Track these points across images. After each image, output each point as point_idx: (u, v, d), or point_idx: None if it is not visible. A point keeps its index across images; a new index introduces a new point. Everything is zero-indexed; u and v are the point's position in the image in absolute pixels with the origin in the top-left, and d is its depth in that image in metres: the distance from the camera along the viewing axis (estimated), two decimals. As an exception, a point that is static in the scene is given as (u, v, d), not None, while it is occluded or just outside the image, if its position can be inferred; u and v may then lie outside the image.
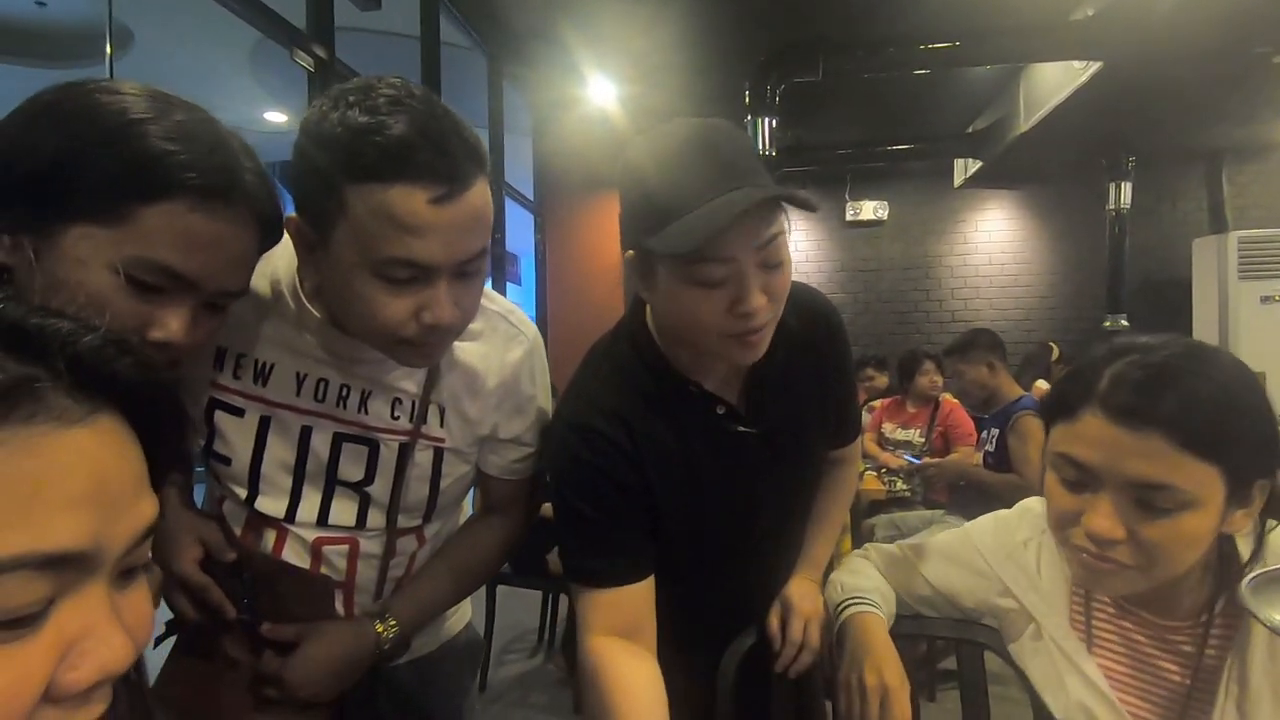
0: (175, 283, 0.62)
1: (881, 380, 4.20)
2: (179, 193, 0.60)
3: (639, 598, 0.86)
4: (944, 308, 5.96)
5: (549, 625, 3.16)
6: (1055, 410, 0.75)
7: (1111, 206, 4.78)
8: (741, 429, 0.88)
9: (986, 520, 0.95)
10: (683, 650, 0.88)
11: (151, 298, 0.62)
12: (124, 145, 0.59)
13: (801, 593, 0.97)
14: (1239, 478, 0.67)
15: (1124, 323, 4.77)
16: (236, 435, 0.81)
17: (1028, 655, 0.85)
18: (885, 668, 0.85)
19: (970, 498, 2.93)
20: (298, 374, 0.80)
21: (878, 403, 3.79)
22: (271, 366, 0.80)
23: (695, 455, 0.88)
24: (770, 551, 1.00)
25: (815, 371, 0.93)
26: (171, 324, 0.63)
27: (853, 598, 0.94)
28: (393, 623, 0.84)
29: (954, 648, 0.97)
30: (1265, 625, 0.59)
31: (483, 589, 2.47)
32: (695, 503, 0.89)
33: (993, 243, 5.89)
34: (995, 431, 2.73)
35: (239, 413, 0.81)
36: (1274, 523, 0.74)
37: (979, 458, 2.88)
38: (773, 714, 1.00)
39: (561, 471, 0.86)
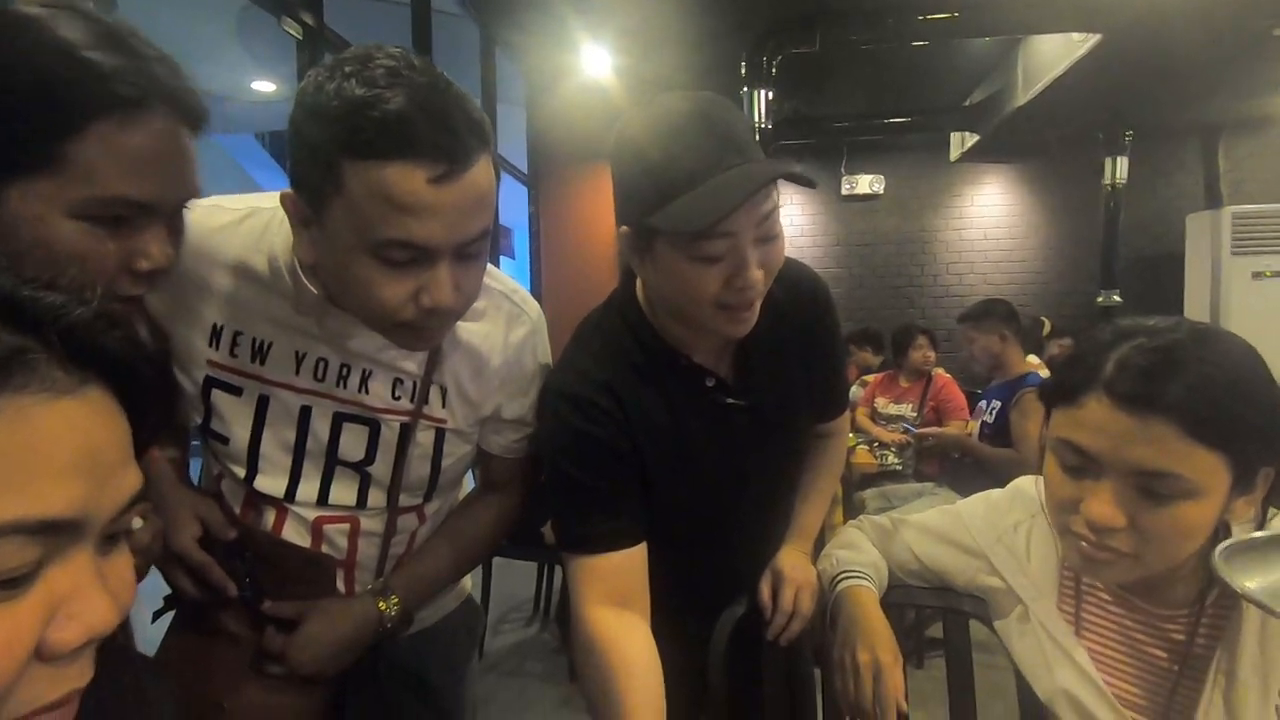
0: (136, 209, 0.60)
1: (872, 359, 4.21)
2: (97, 116, 0.56)
3: (632, 565, 0.86)
4: (938, 283, 5.96)
5: (544, 596, 3.20)
6: (1057, 394, 0.73)
7: (1107, 181, 4.77)
8: (731, 401, 0.89)
9: (977, 501, 0.95)
10: (674, 620, 0.89)
11: (121, 231, 0.60)
12: (20, 89, 0.54)
13: (792, 562, 0.99)
14: (1245, 466, 0.66)
15: (1116, 298, 4.79)
16: (234, 414, 0.80)
17: (1014, 635, 0.86)
18: (878, 644, 0.86)
19: (962, 471, 2.97)
20: (296, 353, 0.79)
21: (870, 378, 3.81)
22: (269, 345, 0.79)
23: (685, 427, 0.89)
24: (760, 522, 1.01)
25: (803, 345, 0.94)
26: (154, 250, 0.62)
27: (846, 571, 0.96)
28: (395, 600, 0.84)
29: (941, 616, 0.98)
30: (1237, 593, 0.59)
31: None
32: (685, 474, 0.90)
33: (988, 217, 5.88)
34: (997, 404, 2.75)
35: (236, 391, 0.80)
36: (1275, 510, 0.72)
37: (974, 427, 2.90)
38: (764, 682, 1.02)
39: (554, 438, 0.86)
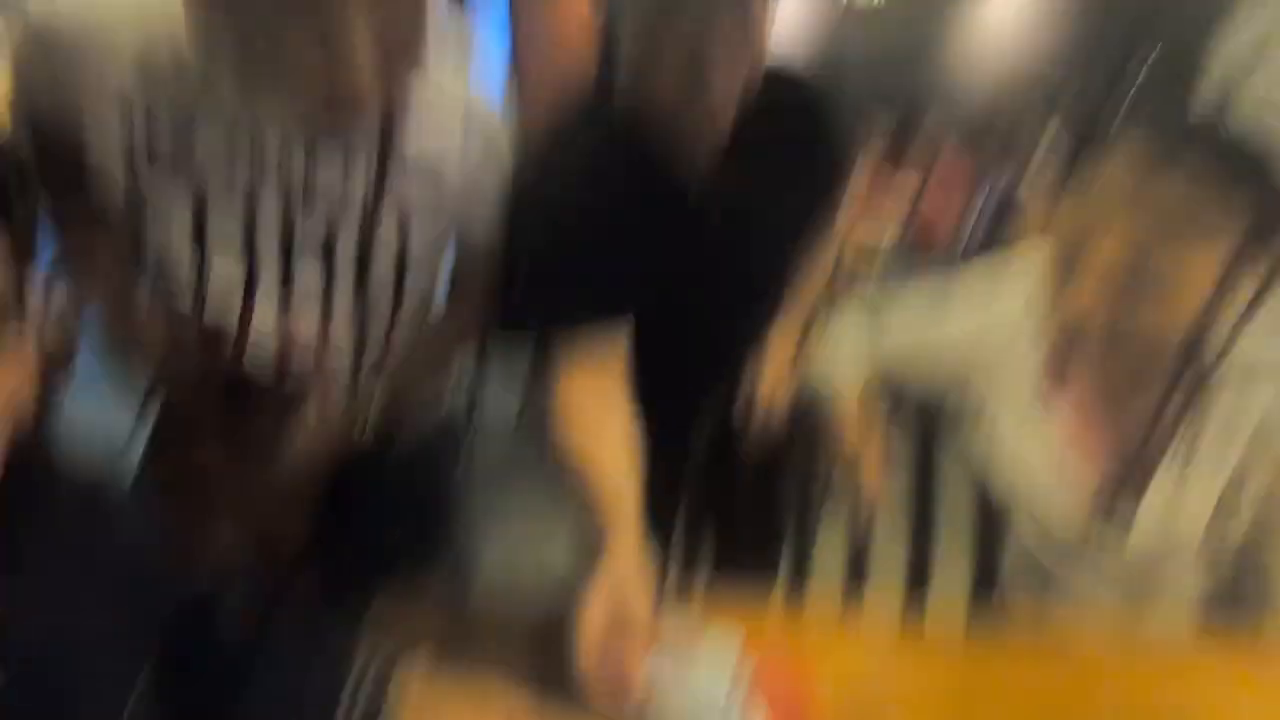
0: None
1: None
2: None
3: (611, 338, 0.85)
4: None
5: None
6: None
7: None
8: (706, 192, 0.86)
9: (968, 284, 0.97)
10: (646, 409, 0.87)
11: None
12: None
13: (775, 355, 0.98)
14: None
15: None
16: (172, 223, 0.71)
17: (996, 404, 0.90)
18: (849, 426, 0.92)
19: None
20: (227, 140, 0.68)
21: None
22: (194, 134, 0.67)
23: (659, 215, 0.84)
24: (740, 314, 0.98)
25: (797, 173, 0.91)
26: None
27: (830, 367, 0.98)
28: (369, 407, 0.83)
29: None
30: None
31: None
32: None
33: None
34: None
35: (171, 197, 0.70)
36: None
37: None
38: (737, 491, 1.04)
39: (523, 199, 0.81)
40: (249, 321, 0.76)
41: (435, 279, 0.89)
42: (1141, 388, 0.80)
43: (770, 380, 0.96)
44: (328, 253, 0.75)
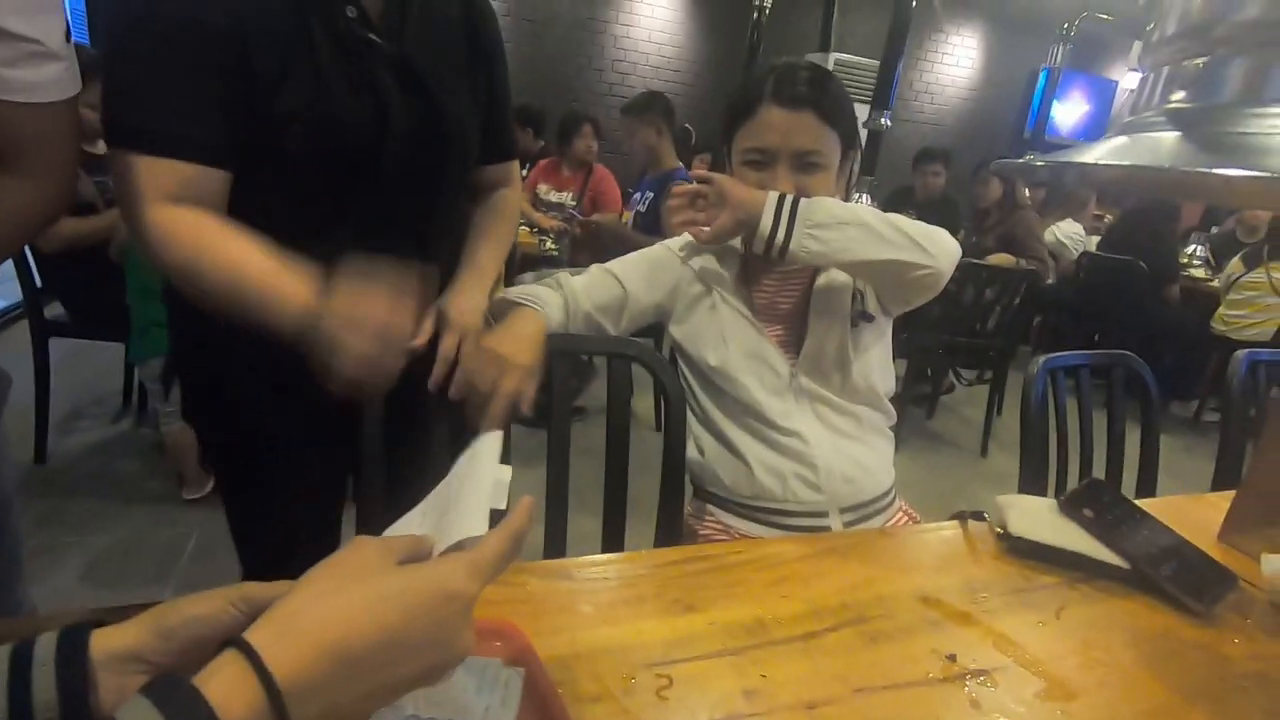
0: None
1: (532, 143, 4.19)
2: None
3: (211, 188, 0.78)
4: (603, 79, 6.39)
5: (137, 388, 2.74)
6: (737, 114, 1.07)
7: (756, 4, 5.12)
8: (373, 37, 0.83)
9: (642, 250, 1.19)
10: (317, 389, 0.81)
11: None
12: None
13: (460, 306, 0.93)
14: (847, 147, 1.07)
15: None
16: None
17: (700, 324, 1.14)
18: (516, 346, 0.90)
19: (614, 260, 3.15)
20: None
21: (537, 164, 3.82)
22: None
23: (316, 54, 0.80)
24: (414, 222, 0.94)
25: (465, 39, 0.93)
26: None
27: (520, 299, 1.03)
28: None
29: (607, 362, 1.11)
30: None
31: (26, 341, 2.27)
32: (314, 123, 0.81)
33: (655, 18, 6.41)
34: (650, 195, 3.00)
35: None
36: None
37: (629, 217, 3.14)
38: (430, 434, 1.02)
39: (126, 8, 0.73)
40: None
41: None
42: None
43: (454, 330, 0.91)
44: None
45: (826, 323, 1.10)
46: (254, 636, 0.36)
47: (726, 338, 1.11)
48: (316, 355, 0.74)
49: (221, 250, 0.75)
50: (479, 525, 0.47)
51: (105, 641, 0.42)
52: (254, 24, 0.76)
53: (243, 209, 0.80)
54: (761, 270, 1.14)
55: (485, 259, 1.01)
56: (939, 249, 1.02)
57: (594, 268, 1.15)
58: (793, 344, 1.13)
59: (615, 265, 1.16)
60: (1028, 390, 1.26)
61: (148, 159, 0.74)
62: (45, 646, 0.40)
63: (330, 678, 0.37)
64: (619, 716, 0.58)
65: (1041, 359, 1.29)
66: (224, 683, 0.34)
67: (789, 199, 1.00)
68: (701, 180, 1.06)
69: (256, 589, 0.45)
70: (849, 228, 0.98)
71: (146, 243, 0.75)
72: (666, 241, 1.19)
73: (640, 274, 1.15)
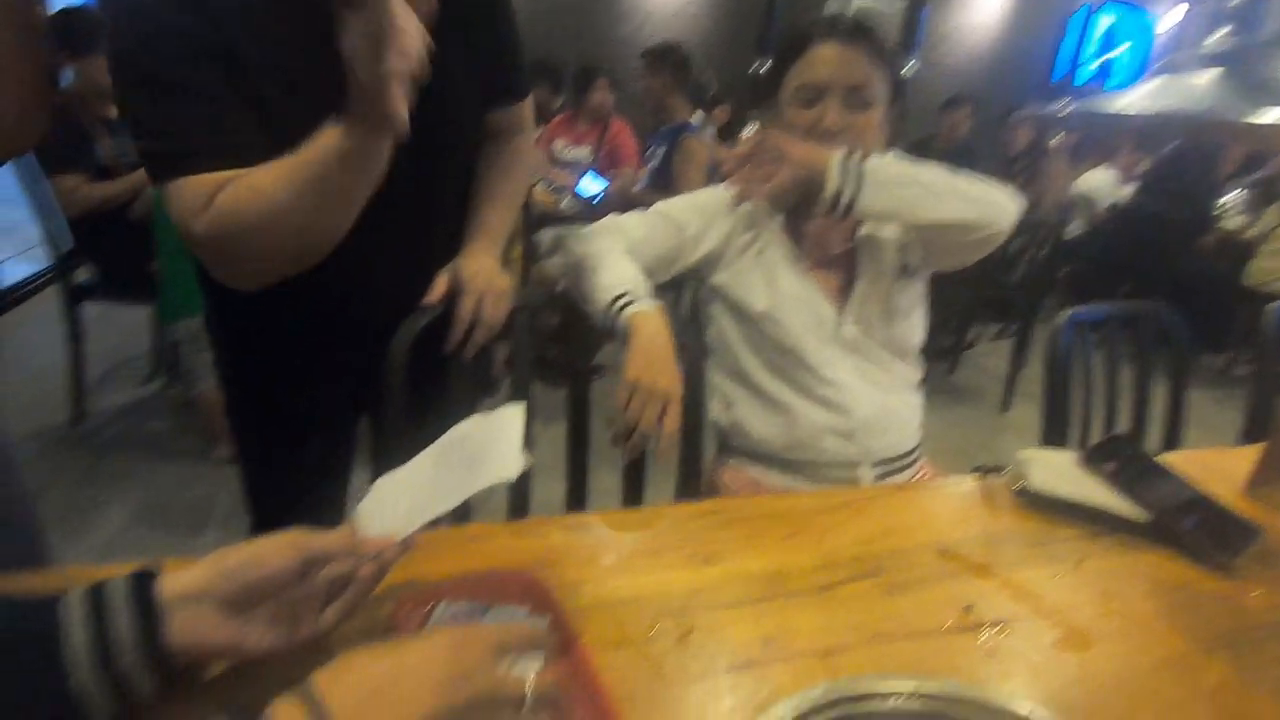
0: None
1: (550, 99, 4.08)
2: None
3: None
4: (619, 29, 6.09)
5: (166, 349, 2.65)
6: (788, 54, 1.08)
7: None
8: None
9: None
10: (337, 312, 0.83)
11: None
12: None
13: (475, 268, 0.95)
14: (894, 87, 1.08)
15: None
16: None
17: (746, 268, 1.13)
18: (667, 374, 0.92)
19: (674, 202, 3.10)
20: None
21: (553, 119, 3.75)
22: None
23: (295, 38, 0.77)
24: (419, 203, 0.92)
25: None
26: None
27: (620, 295, 0.99)
28: None
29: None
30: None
31: (56, 307, 2.35)
32: (308, 109, 0.76)
33: None
34: (663, 149, 2.94)
35: None
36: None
37: (644, 172, 3.09)
38: (450, 397, 1.01)
39: (126, 31, 0.73)
40: None
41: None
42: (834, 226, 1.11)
43: (471, 293, 0.94)
44: None
45: (874, 273, 1.11)
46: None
47: (773, 281, 1.10)
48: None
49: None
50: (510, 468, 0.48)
51: (172, 583, 0.45)
52: (234, 19, 0.74)
53: None
54: (810, 216, 1.13)
55: (495, 220, 1.01)
56: (1001, 210, 1.02)
57: (653, 211, 1.14)
58: (840, 292, 1.12)
59: (675, 210, 1.14)
60: (1054, 342, 1.24)
61: (191, 180, 0.74)
62: (116, 587, 0.44)
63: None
64: (641, 663, 0.60)
65: (1069, 311, 1.26)
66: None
67: (855, 156, 0.99)
68: (754, 142, 1.05)
69: (305, 538, 0.49)
70: (914, 187, 0.99)
71: (207, 253, 0.76)
72: (713, 188, 1.18)
73: (699, 219, 1.14)
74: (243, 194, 0.74)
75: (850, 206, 0.99)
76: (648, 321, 0.96)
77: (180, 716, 0.47)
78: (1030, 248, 3.21)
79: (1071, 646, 0.66)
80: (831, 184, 0.98)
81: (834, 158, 0.99)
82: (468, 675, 0.42)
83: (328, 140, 0.72)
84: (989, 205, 1.02)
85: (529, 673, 0.45)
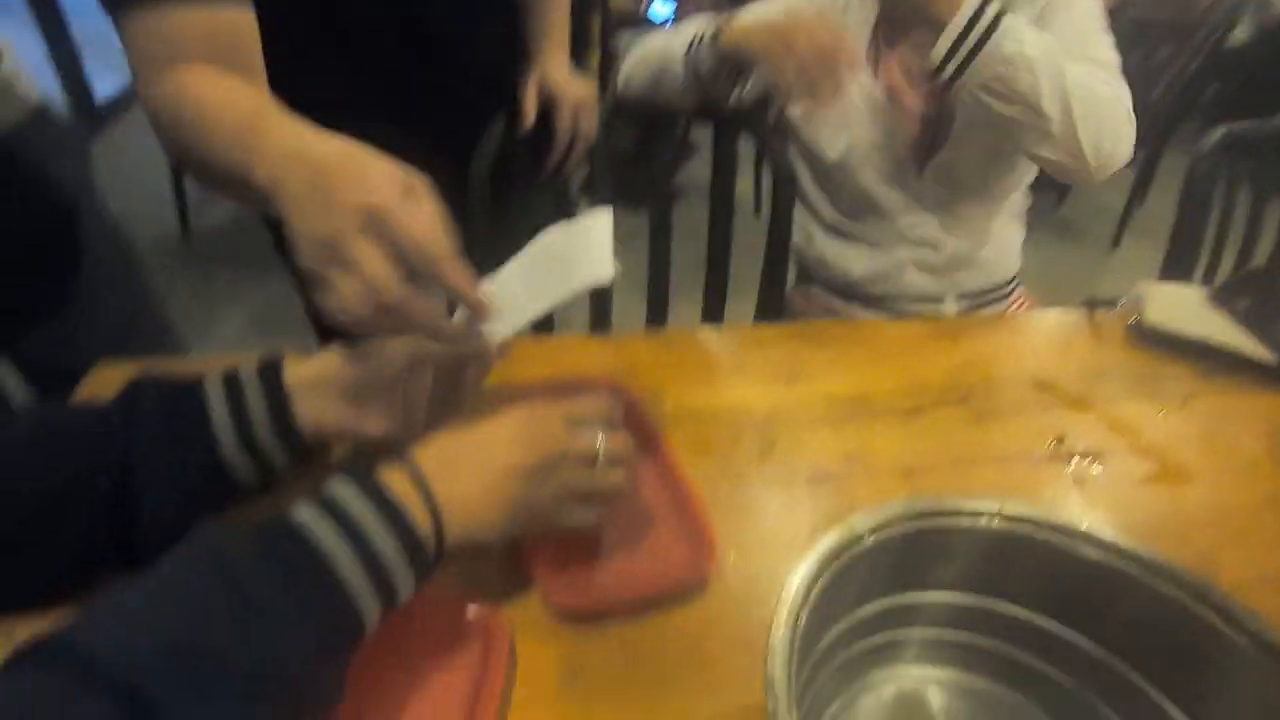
0: None
1: None
2: None
3: (238, 29, 0.57)
4: None
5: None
6: None
7: None
8: None
9: None
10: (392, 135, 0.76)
11: None
12: None
13: (564, 75, 0.85)
14: None
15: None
16: None
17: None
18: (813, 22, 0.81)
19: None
20: None
21: None
22: None
23: None
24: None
25: None
26: None
27: (696, 35, 0.90)
28: None
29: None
30: None
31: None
32: None
33: None
34: None
35: None
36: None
37: None
38: (533, 216, 0.95)
39: None
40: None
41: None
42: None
43: (568, 104, 0.87)
44: None
45: (973, 133, 0.92)
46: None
47: (850, 123, 0.97)
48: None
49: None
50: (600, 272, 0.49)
51: (295, 371, 0.50)
52: None
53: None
54: (900, 36, 0.96)
55: (561, 20, 0.91)
56: (1103, 158, 0.81)
57: None
58: (925, 147, 0.97)
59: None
60: (1195, 166, 1.10)
61: (152, 12, 0.54)
62: (248, 372, 0.49)
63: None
64: (723, 470, 0.62)
65: (1222, 129, 1.10)
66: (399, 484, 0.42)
67: (993, 5, 0.77)
68: None
69: (414, 340, 0.52)
70: (1040, 83, 0.78)
71: (161, 106, 0.56)
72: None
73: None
74: (191, 100, 0.54)
75: (960, 70, 0.80)
76: (742, 24, 0.84)
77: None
78: (1177, 59, 2.76)
79: (1166, 480, 0.65)
80: (952, 30, 0.78)
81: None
82: (540, 437, 0.46)
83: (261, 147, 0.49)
84: (1093, 148, 0.81)
85: (599, 438, 0.48)
